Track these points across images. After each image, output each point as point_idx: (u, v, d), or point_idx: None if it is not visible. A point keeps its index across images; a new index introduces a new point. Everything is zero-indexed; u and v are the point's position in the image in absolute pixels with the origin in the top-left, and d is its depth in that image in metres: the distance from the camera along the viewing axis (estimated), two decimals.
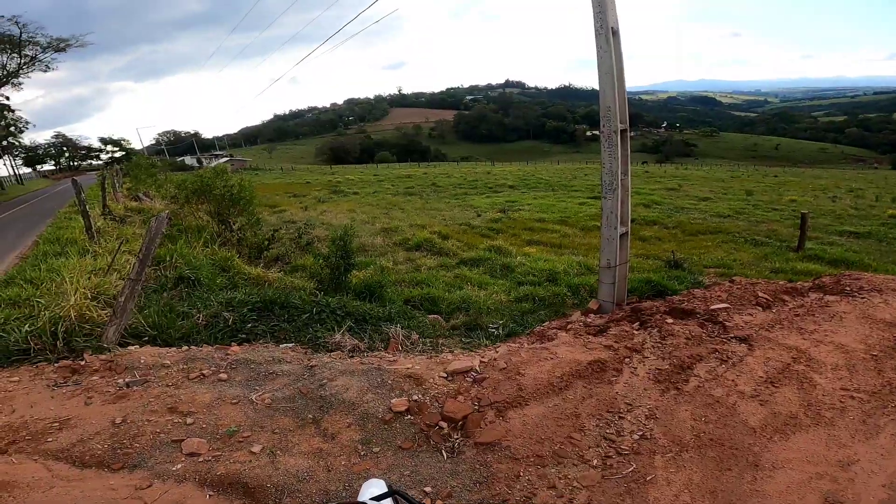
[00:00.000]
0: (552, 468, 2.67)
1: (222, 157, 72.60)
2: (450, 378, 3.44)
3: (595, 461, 2.70)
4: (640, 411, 3.06)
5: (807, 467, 2.56)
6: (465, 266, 9.06)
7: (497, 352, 3.97)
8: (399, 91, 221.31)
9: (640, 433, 2.88)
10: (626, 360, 3.57)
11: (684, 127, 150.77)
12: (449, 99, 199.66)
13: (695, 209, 17.33)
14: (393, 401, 3.15)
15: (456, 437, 2.92)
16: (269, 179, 38.77)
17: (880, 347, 3.36)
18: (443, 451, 2.84)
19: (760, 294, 4.55)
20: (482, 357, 3.79)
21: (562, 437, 2.86)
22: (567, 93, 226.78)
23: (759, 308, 4.21)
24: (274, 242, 9.96)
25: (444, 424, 2.99)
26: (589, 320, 4.75)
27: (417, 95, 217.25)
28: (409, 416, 3.06)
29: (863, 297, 4.19)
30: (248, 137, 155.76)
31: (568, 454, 2.75)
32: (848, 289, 4.62)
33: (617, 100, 4.84)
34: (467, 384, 3.36)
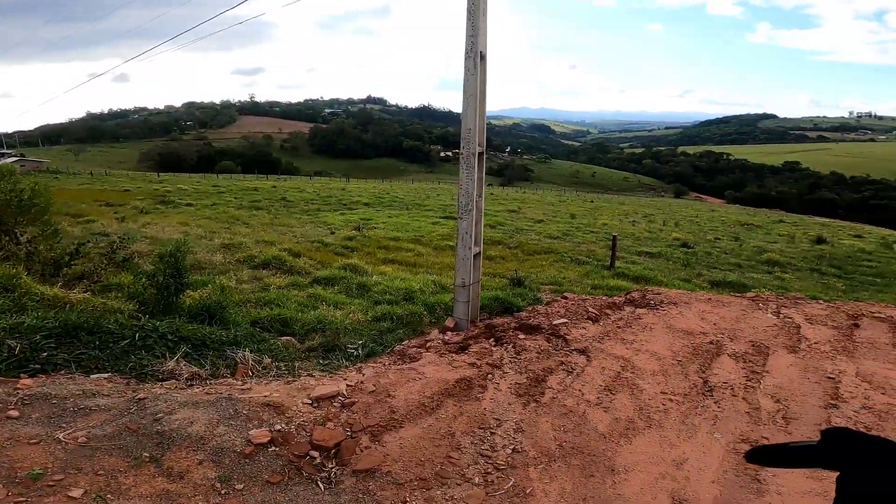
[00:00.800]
0: (437, 490, 2.66)
1: (9, 156, 58.89)
2: (315, 404, 3.26)
3: (476, 479, 2.76)
4: (508, 425, 3.21)
5: (652, 468, 2.91)
6: (320, 285, 8.58)
7: (363, 374, 3.83)
8: (251, 98, 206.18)
9: (512, 447, 3.02)
10: (489, 375, 3.74)
11: (524, 152, 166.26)
12: (307, 111, 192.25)
13: (531, 230, 19.29)
14: (252, 432, 2.86)
15: (331, 466, 2.77)
16: (73, 185, 32.14)
17: (682, 354, 4.06)
18: (318, 483, 2.66)
19: (590, 309, 5.18)
20: (348, 380, 3.64)
21: (441, 458, 2.86)
22: (426, 113, 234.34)
23: (590, 322, 4.78)
24: (78, 257, 8.15)
25: (315, 454, 2.84)
26: (447, 338, 4.85)
27: (272, 104, 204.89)
28: (274, 448, 2.82)
29: (664, 310, 5.06)
30: (49, 136, 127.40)
31: (450, 474, 2.77)
32: (652, 302, 5.55)
33: (477, 123, 5.07)
34: (335, 409, 3.21)
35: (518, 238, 16.66)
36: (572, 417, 3.30)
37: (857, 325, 5.28)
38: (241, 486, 2.57)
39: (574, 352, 4.07)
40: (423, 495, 2.63)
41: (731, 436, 3.28)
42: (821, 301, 6.56)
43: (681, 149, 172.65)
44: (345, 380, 3.65)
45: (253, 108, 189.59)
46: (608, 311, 5.20)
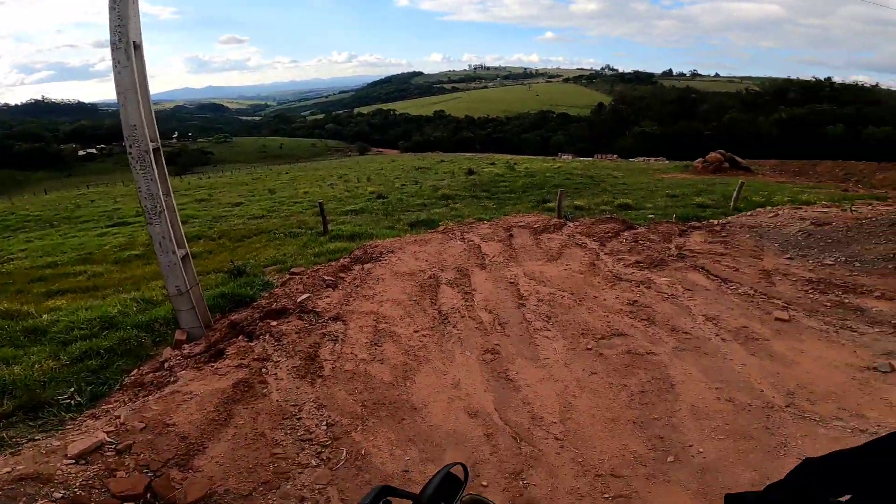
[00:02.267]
0: (286, 485, 2.63)
1: None
2: (82, 461, 2.86)
3: (313, 461, 2.79)
4: (309, 406, 3.24)
5: (441, 396, 3.40)
6: None
7: (118, 416, 3.29)
8: None
9: (325, 422, 3.10)
10: (262, 370, 3.63)
11: (197, 135, 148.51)
12: None
13: (232, 215, 17.73)
14: None
15: None
16: None
17: (415, 293, 4.75)
18: None
19: (325, 277, 5.37)
20: (102, 428, 3.15)
21: (267, 458, 2.78)
22: (42, 108, 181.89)
23: (331, 289, 5.00)
24: None
25: None
26: (187, 351, 4.30)
27: None
28: None
29: (386, 259, 5.71)
30: None
31: (286, 468, 2.74)
32: (374, 255, 6.16)
33: (144, 118, 4.33)
34: (113, 458, 2.85)
35: (220, 227, 15.10)
36: (359, 378, 3.55)
37: (511, 235, 7.24)
38: None
39: (330, 321, 4.25)
40: (277, 495, 2.59)
41: (476, 350, 4.11)
42: (485, 221, 8.61)
43: (356, 110, 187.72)
44: (99, 427, 3.21)
45: None
46: (342, 275, 5.51)
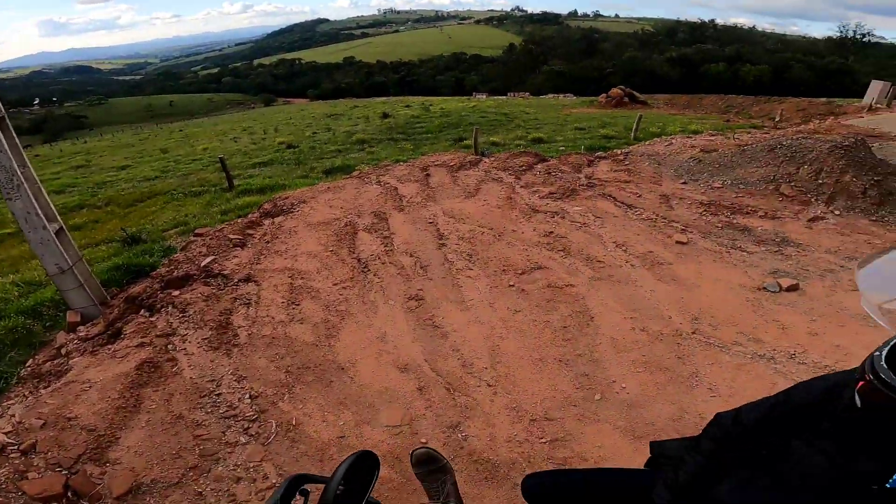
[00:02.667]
0: (217, 467, 2.48)
1: None
2: None
3: (242, 438, 2.66)
4: (227, 379, 3.02)
5: (368, 352, 3.28)
6: None
7: (12, 415, 2.99)
8: None
9: (248, 395, 2.91)
10: (169, 346, 3.31)
11: (65, 100, 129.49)
12: None
13: (118, 180, 15.86)
14: None
15: None
16: None
17: (331, 243, 4.52)
18: None
19: (231, 236, 4.95)
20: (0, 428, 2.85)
21: (191, 441, 2.60)
22: None
23: (239, 248, 4.62)
24: None
25: None
26: (84, 334, 3.84)
27: None
28: None
29: (298, 210, 5.37)
30: None
31: (214, 449, 2.59)
32: (285, 207, 5.77)
33: None
34: (19, 459, 2.63)
35: (105, 193, 13.40)
36: (279, 342, 3.32)
37: (428, 175, 7.11)
38: None
39: (240, 283, 3.93)
40: (209, 479, 2.43)
41: (400, 298, 4.00)
42: (401, 163, 8.38)
43: (256, 62, 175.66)
44: None
45: None
46: (250, 232, 5.12)
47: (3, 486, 2.51)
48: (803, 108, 26.39)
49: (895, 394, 0.72)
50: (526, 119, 20.08)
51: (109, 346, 3.41)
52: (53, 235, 4.16)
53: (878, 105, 21.18)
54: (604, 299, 3.93)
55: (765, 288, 4.06)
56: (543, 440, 2.65)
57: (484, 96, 49.12)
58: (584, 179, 6.86)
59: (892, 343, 0.78)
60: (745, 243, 4.93)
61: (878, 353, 0.77)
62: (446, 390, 3.01)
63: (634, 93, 29.51)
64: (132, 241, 7.51)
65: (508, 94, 54.52)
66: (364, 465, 1.00)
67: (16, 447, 2.72)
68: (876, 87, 23.25)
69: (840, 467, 0.83)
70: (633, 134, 12.27)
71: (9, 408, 3.19)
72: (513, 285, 4.15)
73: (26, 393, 3.38)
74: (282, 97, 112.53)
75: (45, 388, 3.35)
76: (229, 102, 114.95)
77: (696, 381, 3.04)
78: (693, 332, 3.50)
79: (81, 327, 4.15)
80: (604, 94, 29.67)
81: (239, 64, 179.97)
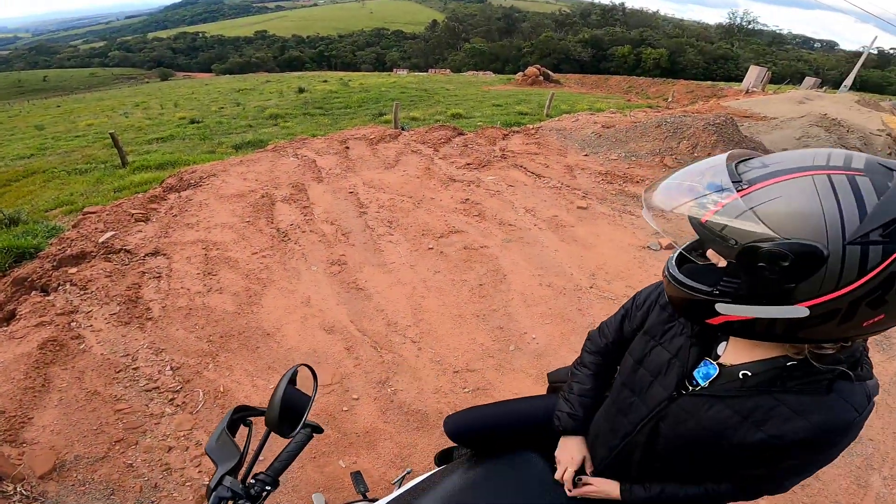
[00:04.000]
0: (146, 438, 2.43)
1: None
2: None
3: (168, 409, 2.60)
4: (144, 353, 2.93)
5: (293, 317, 3.28)
6: None
7: None
8: None
9: (169, 367, 2.85)
10: (72, 324, 3.10)
11: None
12: None
13: None
14: None
15: (9, 489, 2.19)
16: None
17: (247, 215, 4.38)
18: None
19: (133, 211, 4.62)
20: None
21: (112, 416, 2.51)
22: None
23: (143, 223, 4.34)
24: None
25: None
26: None
27: None
28: None
29: (208, 183, 5.11)
30: None
31: (139, 422, 2.51)
32: (193, 181, 5.46)
33: None
34: None
35: None
36: (197, 313, 3.22)
37: (348, 148, 7.04)
38: None
39: (148, 257, 3.71)
40: (139, 450, 2.37)
41: (322, 263, 4.02)
42: (319, 137, 8.18)
43: (151, 35, 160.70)
44: None
45: None
46: (154, 206, 4.81)
47: None
48: (692, 91, 29.21)
49: (678, 284, 0.90)
50: (446, 95, 20.23)
51: (5, 328, 3.13)
52: None
53: (755, 89, 23.92)
54: (515, 259, 4.24)
55: (648, 247, 4.63)
56: (466, 389, 2.84)
57: (405, 72, 48.36)
58: (498, 151, 7.18)
59: (678, 251, 0.97)
60: (634, 208, 5.53)
61: (671, 258, 0.96)
62: (373, 348, 3.12)
63: (549, 72, 30.80)
64: (10, 223, 6.72)
65: (430, 70, 54.18)
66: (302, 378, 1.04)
67: None
68: (753, 72, 26.15)
69: (679, 360, 1.00)
70: (545, 111, 12.91)
71: None
72: (432, 248, 4.34)
73: None
74: (181, 72, 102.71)
75: None
76: (117, 77, 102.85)
77: None
78: (591, 287, 3.90)
79: None
80: (521, 73, 30.68)
81: (130, 38, 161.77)
